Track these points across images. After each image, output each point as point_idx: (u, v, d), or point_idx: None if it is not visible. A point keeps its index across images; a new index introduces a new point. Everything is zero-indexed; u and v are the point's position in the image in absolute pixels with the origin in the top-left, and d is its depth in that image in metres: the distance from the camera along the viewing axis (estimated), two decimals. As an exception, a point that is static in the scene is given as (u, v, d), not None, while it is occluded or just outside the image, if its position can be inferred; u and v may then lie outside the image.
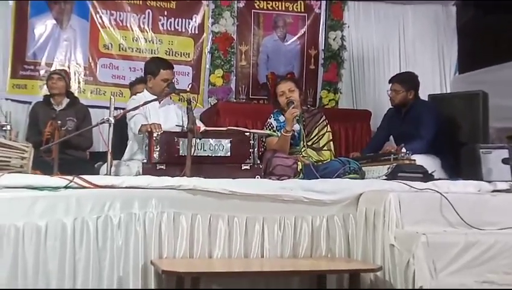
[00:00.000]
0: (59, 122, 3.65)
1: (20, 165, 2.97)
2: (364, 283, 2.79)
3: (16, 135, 4.27)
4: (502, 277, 2.49)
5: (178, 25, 5.61)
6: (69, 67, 5.28)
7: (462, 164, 3.63)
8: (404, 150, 3.48)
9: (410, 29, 6.13)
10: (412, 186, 2.99)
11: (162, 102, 3.87)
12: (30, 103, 5.04)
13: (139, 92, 4.09)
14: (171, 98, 3.98)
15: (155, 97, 3.73)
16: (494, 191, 3.15)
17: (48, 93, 4.49)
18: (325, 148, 3.93)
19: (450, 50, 6.19)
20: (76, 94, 5.13)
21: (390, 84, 4.39)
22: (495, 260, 2.55)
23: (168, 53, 5.50)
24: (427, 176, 3.29)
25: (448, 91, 5.99)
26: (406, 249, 2.57)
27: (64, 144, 3.71)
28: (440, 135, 4.18)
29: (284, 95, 3.86)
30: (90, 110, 4.73)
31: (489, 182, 3.24)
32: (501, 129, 4.96)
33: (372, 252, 2.82)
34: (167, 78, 3.82)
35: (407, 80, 4.36)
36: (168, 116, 3.82)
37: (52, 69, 5.12)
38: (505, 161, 3.38)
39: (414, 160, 3.53)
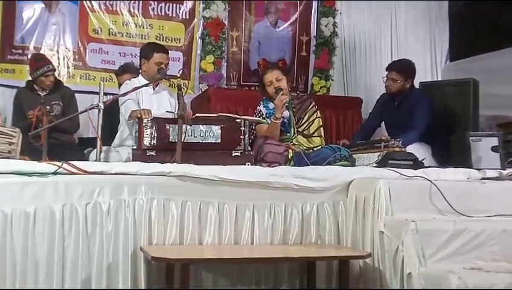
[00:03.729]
0: (47, 107, 3.61)
1: (8, 150, 2.94)
2: (354, 270, 2.80)
3: (4, 120, 4.23)
4: (490, 264, 2.50)
5: (168, 10, 5.55)
6: (57, 52, 5.22)
7: (452, 151, 3.64)
8: (399, 142, 3.47)
9: (402, 16, 6.11)
10: (402, 174, 3.00)
11: (156, 88, 3.85)
12: (18, 87, 4.99)
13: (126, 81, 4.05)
14: (162, 84, 3.96)
15: (146, 82, 3.71)
16: (483, 178, 3.17)
17: (31, 79, 4.41)
18: (315, 134, 3.93)
19: (442, 38, 6.18)
20: (65, 79, 5.10)
21: (387, 72, 4.32)
22: (483, 247, 2.57)
23: (158, 38, 5.44)
24: (417, 164, 3.30)
25: (440, 79, 6.00)
26: (395, 236, 2.58)
27: (51, 128, 3.67)
28: (432, 123, 4.18)
29: (271, 85, 3.84)
30: (80, 95, 4.69)
31: (478, 169, 3.26)
32: (491, 117, 4.99)
33: (361, 239, 2.83)
34: (160, 61, 3.79)
35: (405, 69, 4.28)
36: (162, 102, 3.81)
37: (42, 52, 5.09)
38: (494, 149, 3.40)
39: (404, 147, 3.54)
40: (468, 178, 3.13)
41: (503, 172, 3.27)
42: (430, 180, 2.83)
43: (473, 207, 2.79)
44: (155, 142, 3.20)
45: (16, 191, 2.48)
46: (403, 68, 4.29)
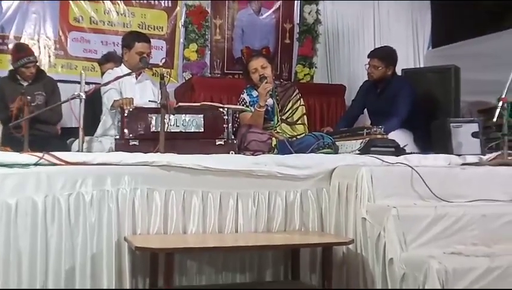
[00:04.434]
0: (28, 97, 3.56)
1: (-11, 142, 2.91)
2: (337, 256, 2.84)
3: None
4: (470, 248, 2.54)
5: (151, -2, 5.51)
6: (38, 41, 5.16)
7: (433, 138, 3.68)
8: (382, 129, 3.50)
9: (384, 3, 6.14)
10: (384, 161, 3.02)
11: (138, 78, 3.83)
12: (-1, 77, 4.94)
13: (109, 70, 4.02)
14: (145, 73, 3.94)
15: (128, 72, 3.68)
16: (463, 164, 3.21)
17: (12, 68, 4.36)
18: (299, 122, 3.94)
19: (424, 24, 6.23)
20: (46, 68, 5.04)
21: (369, 59, 4.34)
22: (463, 231, 2.61)
23: (141, 26, 5.40)
24: (399, 150, 3.33)
25: (422, 65, 6.04)
26: (377, 222, 2.61)
27: (34, 119, 3.64)
28: (413, 109, 4.22)
29: (256, 72, 3.83)
30: (62, 85, 4.64)
31: (459, 155, 3.30)
32: (473, 103, 5.05)
33: (344, 225, 2.86)
34: (142, 51, 3.76)
35: (387, 56, 4.31)
36: (145, 92, 3.79)
37: (22, 41, 5.02)
38: (474, 135, 3.44)
39: (386, 134, 3.57)
40: (448, 164, 3.17)
41: (483, 158, 3.33)
42: (411, 167, 2.86)
43: (454, 192, 2.84)
44: (138, 131, 3.19)
45: (-4, 182, 2.46)
46: (384, 55, 4.32)
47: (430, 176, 2.82)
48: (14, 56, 4.34)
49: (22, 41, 5.05)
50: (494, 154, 3.38)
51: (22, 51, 4.33)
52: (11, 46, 5.01)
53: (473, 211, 2.68)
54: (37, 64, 4.38)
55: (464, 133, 3.44)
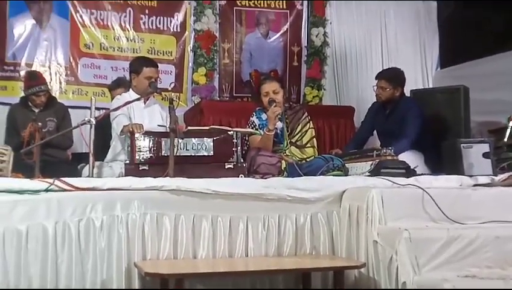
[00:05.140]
0: (39, 124, 3.60)
1: (0, 168, 2.93)
2: (349, 280, 2.80)
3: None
4: (484, 271, 2.51)
5: (160, 23, 5.58)
6: (49, 68, 5.23)
7: (443, 159, 3.65)
8: (391, 151, 3.48)
9: (392, 25, 6.17)
10: (394, 182, 3.00)
11: (147, 102, 3.86)
12: (11, 104, 4.98)
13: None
14: (154, 97, 3.97)
15: (137, 97, 3.72)
16: (475, 185, 3.18)
17: (24, 95, 4.41)
18: (308, 145, 3.93)
19: (432, 45, 6.24)
20: (57, 95, 5.10)
21: (377, 81, 4.36)
22: (477, 254, 2.57)
23: (150, 52, 5.47)
24: (409, 172, 3.31)
25: (430, 86, 6.03)
26: (389, 245, 2.58)
27: (45, 145, 3.67)
28: (423, 130, 4.20)
29: (268, 96, 3.83)
30: (72, 110, 4.69)
31: (470, 176, 3.27)
32: (482, 123, 5.02)
33: (356, 248, 2.83)
34: (150, 76, 3.80)
35: (394, 77, 4.32)
36: (154, 116, 3.81)
37: (34, 68, 5.09)
38: (485, 155, 3.41)
39: (396, 155, 3.55)
40: (460, 185, 3.14)
41: (495, 178, 3.29)
42: (422, 188, 2.83)
43: (466, 214, 2.80)
44: (148, 156, 3.20)
45: (7, 209, 2.47)
46: (391, 76, 4.33)
47: (442, 198, 2.80)
48: (26, 83, 4.39)
49: (33, 68, 5.13)
50: (506, 174, 3.34)
51: (33, 79, 4.38)
52: (22, 73, 5.10)
53: (487, 232, 2.64)
54: (49, 91, 4.42)
55: (475, 153, 3.41)
